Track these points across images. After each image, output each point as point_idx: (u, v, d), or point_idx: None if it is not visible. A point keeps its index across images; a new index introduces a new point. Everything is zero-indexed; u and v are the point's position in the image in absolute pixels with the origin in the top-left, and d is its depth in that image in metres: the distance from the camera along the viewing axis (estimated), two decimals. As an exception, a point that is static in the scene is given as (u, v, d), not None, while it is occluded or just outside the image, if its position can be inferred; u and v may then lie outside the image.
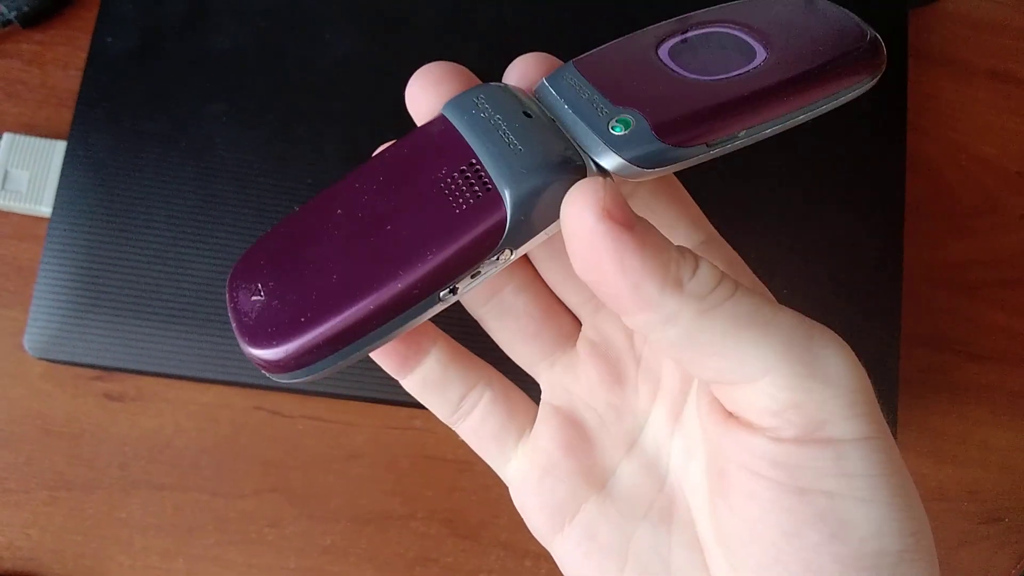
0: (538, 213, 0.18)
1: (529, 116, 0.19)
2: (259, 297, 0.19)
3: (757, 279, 0.23)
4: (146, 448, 0.38)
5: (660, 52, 0.20)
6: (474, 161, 0.19)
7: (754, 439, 0.17)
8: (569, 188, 0.17)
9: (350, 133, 0.39)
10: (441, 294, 0.19)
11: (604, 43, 0.21)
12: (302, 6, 0.40)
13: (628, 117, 0.18)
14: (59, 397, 0.38)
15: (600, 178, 0.17)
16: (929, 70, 0.45)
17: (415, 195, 0.19)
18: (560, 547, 0.22)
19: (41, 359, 0.36)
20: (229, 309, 0.20)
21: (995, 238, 0.44)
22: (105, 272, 0.37)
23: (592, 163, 0.18)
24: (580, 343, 0.24)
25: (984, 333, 0.43)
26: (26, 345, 0.36)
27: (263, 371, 0.19)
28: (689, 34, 0.21)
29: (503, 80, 0.21)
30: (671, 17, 0.22)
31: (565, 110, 0.19)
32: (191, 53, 0.39)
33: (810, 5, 0.21)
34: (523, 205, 0.18)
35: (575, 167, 0.18)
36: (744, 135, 0.19)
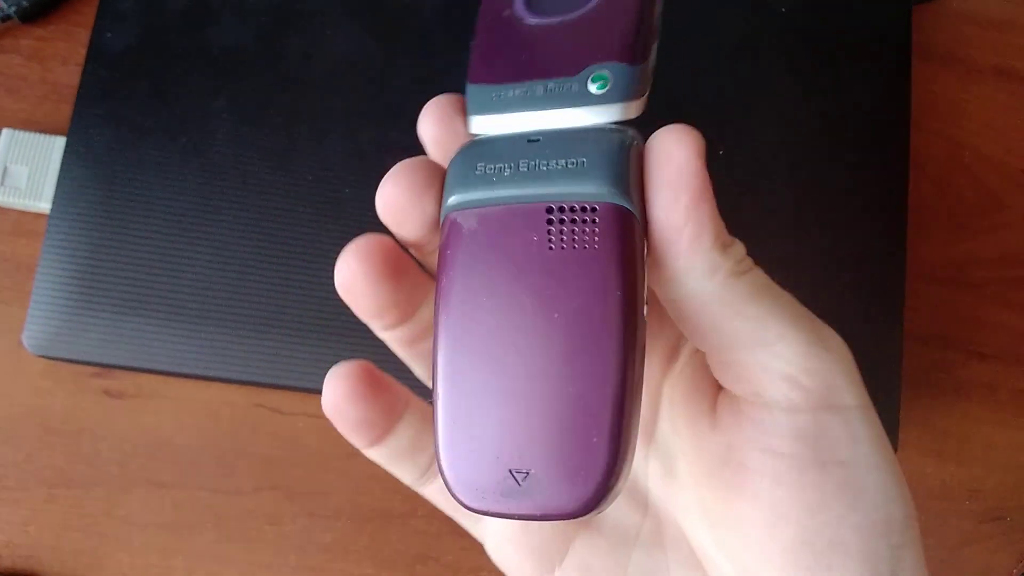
0: (637, 187, 0.18)
1: (534, 141, 0.18)
2: (525, 474, 0.17)
3: None
4: (146, 445, 0.38)
5: (523, 17, 0.20)
6: (551, 206, 0.18)
7: (771, 416, 0.18)
8: (633, 153, 0.18)
9: (352, 130, 0.38)
10: (645, 315, 0.18)
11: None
12: (304, 2, 0.40)
13: (597, 72, 0.18)
14: (58, 394, 0.38)
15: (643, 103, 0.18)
16: (933, 68, 0.45)
17: (542, 277, 0.17)
18: None
19: (40, 356, 0.36)
20: (516, 513, 0.17)
21: (999, 236, 0.43)
22: (105, 269, 0.36)
23: (609, 126, 0.18)
24: None
25: (987, 331, 0.42)
26: (25, 342, 0.36)
27: (592, 514, 0.17)
28: None
29: (425, 133, 0.20)
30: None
31: (537, 115, 0.19)
32: (192, 49, 0.39)
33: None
34: (629, 187, 0.18)
35: (617, 131, 0.18)
36: (659, 12, 0.20)
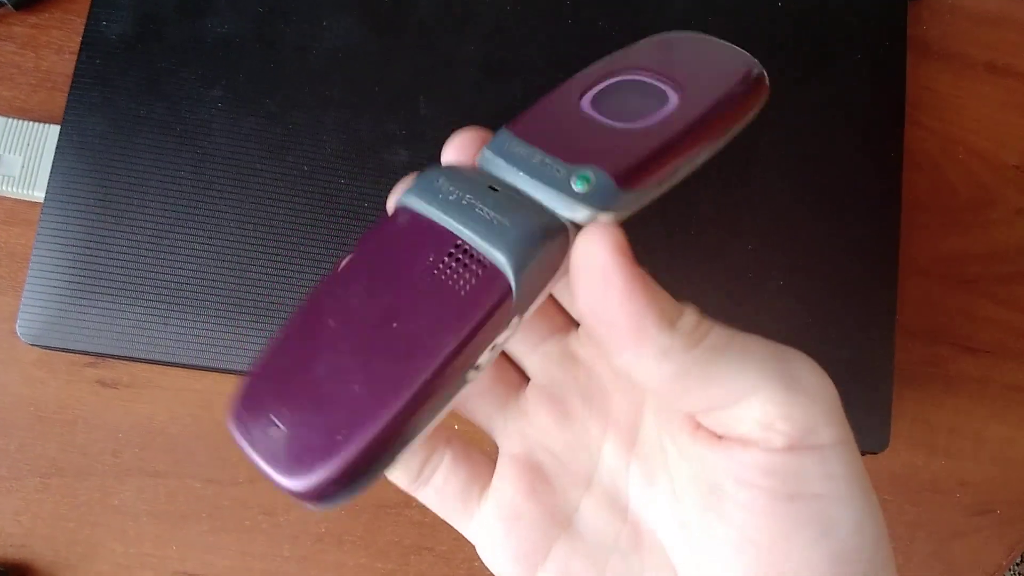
0: (538, 277, 0.19)
1: (495, 189, 0.20)
2: (279, 428, 0.18)
3: None
4: (139, 435, 0.38)
5: (583, 105, 0.21)
6: (459, 243, 0.19)
7: (747, 454, 0.18)
8: (555, 248, 0.19)
9: (348, 120, 0.38)
10: (468, 376, 0.19)
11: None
12: (299, -9, 0.39)
13: (587, 173, 0.19)
14: (52, 383, 0.38)
15: (610, 223, 0.18)
16: (928, 63, 0.45)
17: (410, 289, 0.19)
18: None
19: (34, 345, 0.36)
20: (248, 451, 0.18)
21: (992, 232, 0.44)
22: (99, 258, 0.36)
23: (566, 220, 0.19)
24: (529, 388, 0.24)
25: (979, 326, 0.43)
26: (19, 331, 0.36)
27: (308, 504, 0.18)
28: (605, 84, 0.22)
29: (444, 157, 0.22)
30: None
31: (520, 176, 0.20)
32: (187, 38, 0.39)
33: (702, 43, 0.23)
34: (525, 273, 0.19)
35: (559, 226, 0.19)
36: (684, 168, 0.21)
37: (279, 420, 0.18)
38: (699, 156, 0.21)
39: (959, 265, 0.43)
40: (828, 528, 0.18)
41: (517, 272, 0.19)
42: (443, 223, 0.19)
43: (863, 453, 0.38)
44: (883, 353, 0.39)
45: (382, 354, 0.18)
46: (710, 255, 0.40)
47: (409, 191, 0.20)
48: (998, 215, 0.44)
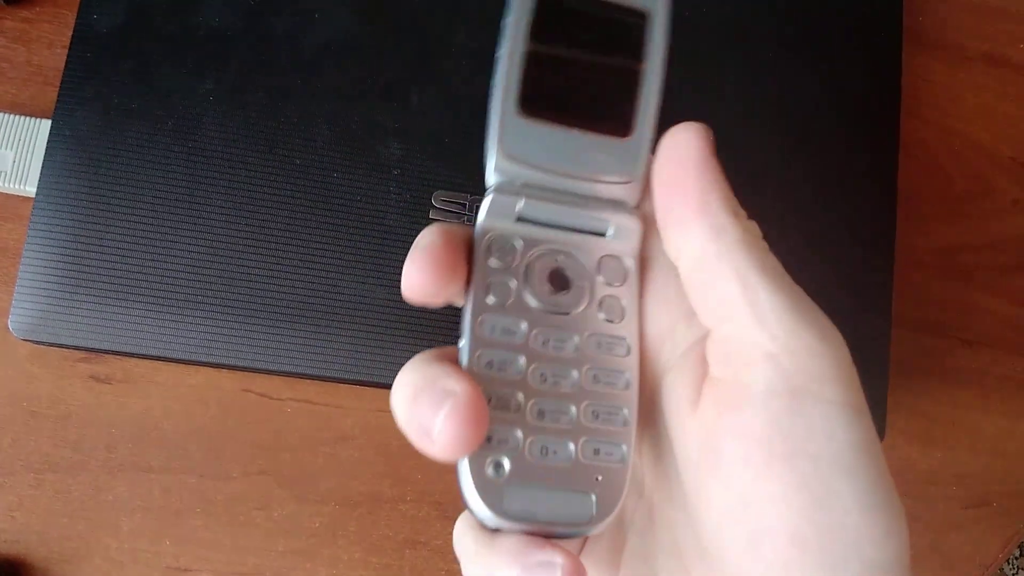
0: None
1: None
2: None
3: None
4: (133, 430, 0.38)
5: None
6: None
7: (748, 399, 0.18)
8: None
9: (339, 113, 0.38)
10: None
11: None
12: (291, -16, 0.39)
13: None
14: (45, 379, 0.38)
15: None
16: (924, 54, 0.45)
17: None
18: None
19: (26, 340, 0.36)
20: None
21: (988, 223, 0.44)
22: (91, 253, 0.36)
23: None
24: None
25: (975, 318, 0.43)
26: (11, 326, 0.36)
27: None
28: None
29: None
30: None
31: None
32: (178, 31, 0.38)
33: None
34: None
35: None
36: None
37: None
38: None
39: (955, 256, 0.43)
40: (824, 498, 0.17)
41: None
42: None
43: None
44: (879, 345, 0.39)
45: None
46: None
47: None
48: (994, 206, 0.44)
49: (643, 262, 0.22)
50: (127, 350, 0.36)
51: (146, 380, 0.38)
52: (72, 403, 0.38)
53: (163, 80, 0.38)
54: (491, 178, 0.21)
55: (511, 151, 0.21)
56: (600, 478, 0.19)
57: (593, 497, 0.19)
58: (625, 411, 0.20)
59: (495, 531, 0.19)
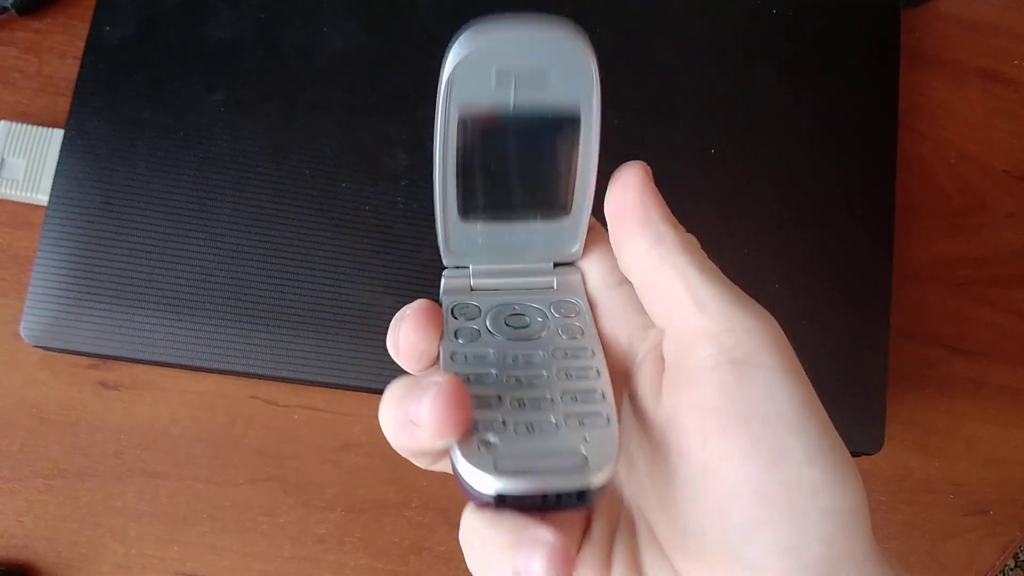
0: None
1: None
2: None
3: None
4: (141, 436, 0.38)
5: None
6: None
7: (699, 374, 0.21)
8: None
9: (348, 124, 0.39)
10: None
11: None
12: (300, -3, 0.40)
13: None
14: (54, 385, 0.38)
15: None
16: (921, 70, 0.46)
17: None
18: None
19: (37, 347, 0.36)
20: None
21: (984, 236, 0.44)
22: (102, 260, 0.37)
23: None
24: None
25: (972, 329, 0.43)
26: (22, 333, 0.36)
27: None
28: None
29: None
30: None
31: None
32: (189, 43, 0.39)
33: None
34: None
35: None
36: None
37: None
38: None
39: (952, 268, 0.44)
40: (780, 455, 0.19)
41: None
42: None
43: (857, 455, 0.39)
44: (877, 355, 0.39)
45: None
46: (706, 258, 0.41)
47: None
48: (989, 219, 0.45)
49: (595, 293, 0.25)
50: (136, 357, 0.36)
51: (154, 387, 0.38)
52: (81, 409, 0.38)
53: (174, 91, 0.38)
54: (444, 261, 0.24)
55: (457, 249, 0.24)
56: (588, 437, 0.20)
57: (583, 449, 0.20)
58: (601, 391, 0.21)
59: (496, 507, 0.20)
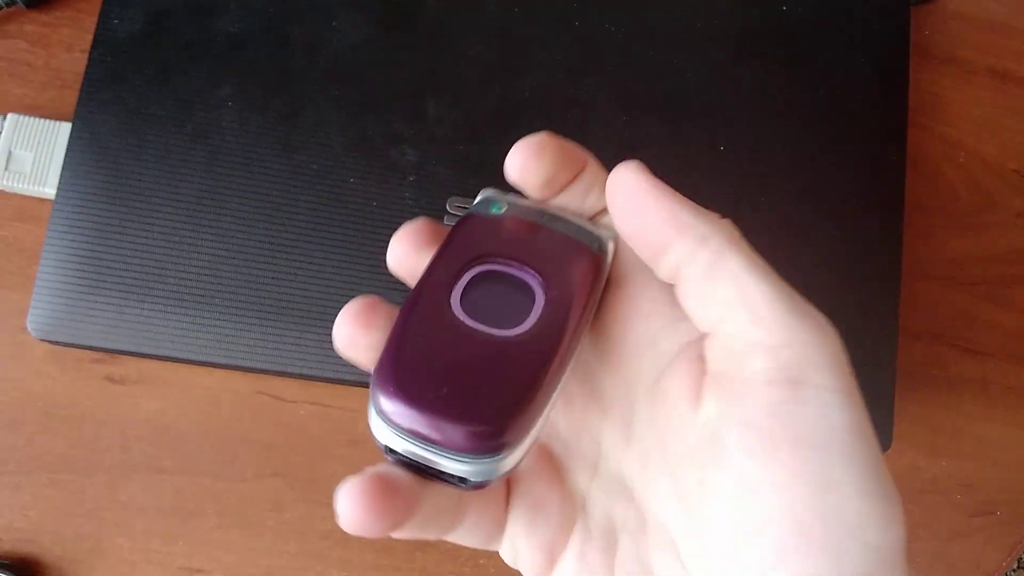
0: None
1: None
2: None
3: None
4: (148, 431, 0.38)
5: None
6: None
7: (749, 388, 0.19)
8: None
9: (357, 119, 0.39)
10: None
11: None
12: (309, -8, 0.40)
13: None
14: (61, 379, 0.38)
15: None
16: (930, 68, 0.46)
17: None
18: None
19: (43, 341, 0.36)
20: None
21: (993, 235, 0.44)
22: (109, 254, 0.37)
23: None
24: None
25: (981, 329, 0.43)
26: (29, 327, 0.36)
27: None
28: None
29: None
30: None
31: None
32: (198, 37, 0.39)
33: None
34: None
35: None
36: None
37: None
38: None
39: (961, 268, 0.44)
40: (827, 485, 0.18)
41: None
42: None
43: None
44: (886, 355, 0.39)
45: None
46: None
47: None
48: (999, 218, 0.44)
49: (615, 279, 0.23)
50: (143, 351, 0.36)
51: (161, 381, 0.38)
52: (87, 404, 0.38)
53: (182, 85, 0.38)
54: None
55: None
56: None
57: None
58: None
59: (387, 455, 0.20)
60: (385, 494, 0.19)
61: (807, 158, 0.41)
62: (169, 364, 0.38)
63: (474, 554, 0.38)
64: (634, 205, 0.21)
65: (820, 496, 0.18)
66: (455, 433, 0.19)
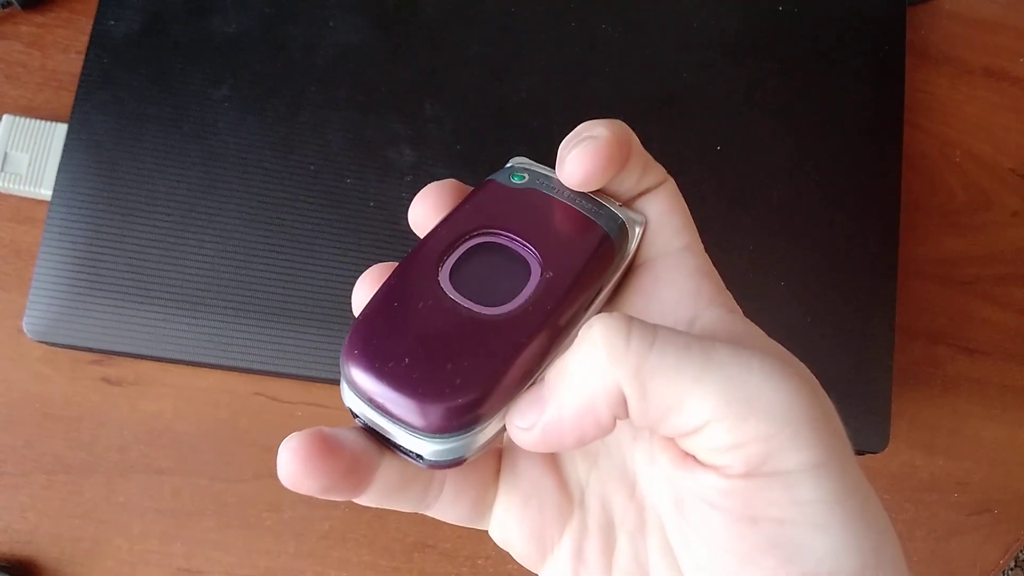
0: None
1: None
2: (411, 362, 0.19)
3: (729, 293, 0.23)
4: (145, 432, 0.38)
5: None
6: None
7: (706, 475, 0.18)
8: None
9: (354, 119, 0.39)
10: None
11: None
12: (305, -8, 0.40)
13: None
14: (58, 381, 0.38)
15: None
16: (926, 67, 0.46)
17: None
18: (551, 570, 0.22)
19: (40, 342, 0.36)
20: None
21: (988, 234, 0.44)
22: (105, 256, 0.37)
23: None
24: None
25: (977, 328, 0.43)
26: (25, 328, 0.36)
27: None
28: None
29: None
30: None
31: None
32: (194, 37, 0.39)
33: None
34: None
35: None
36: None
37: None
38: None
39: (957, 267, 0.44)
40: (795, 554, 0.17)
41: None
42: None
43: (862, 453, 0.38)
44: (882, 354, 0.39)
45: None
46: (710, 256, 0.40)
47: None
48: (995, 217, 0.45)
49: (642, 265, 0.22)
50: (140, 352, 0.36)
51: (158, 382, 0.38)
52: (84, 405, 0.38)
53: (179, 86, 0.38)
54: None
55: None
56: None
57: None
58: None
59: (354, 418, 0.20)
60: (324, 453, 0.19)
61: (803, 158, 0.41)
62: (166, 365, 0.38)
63: (472, 554, 0.38)
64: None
65: (789, 565, 0.17)
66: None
